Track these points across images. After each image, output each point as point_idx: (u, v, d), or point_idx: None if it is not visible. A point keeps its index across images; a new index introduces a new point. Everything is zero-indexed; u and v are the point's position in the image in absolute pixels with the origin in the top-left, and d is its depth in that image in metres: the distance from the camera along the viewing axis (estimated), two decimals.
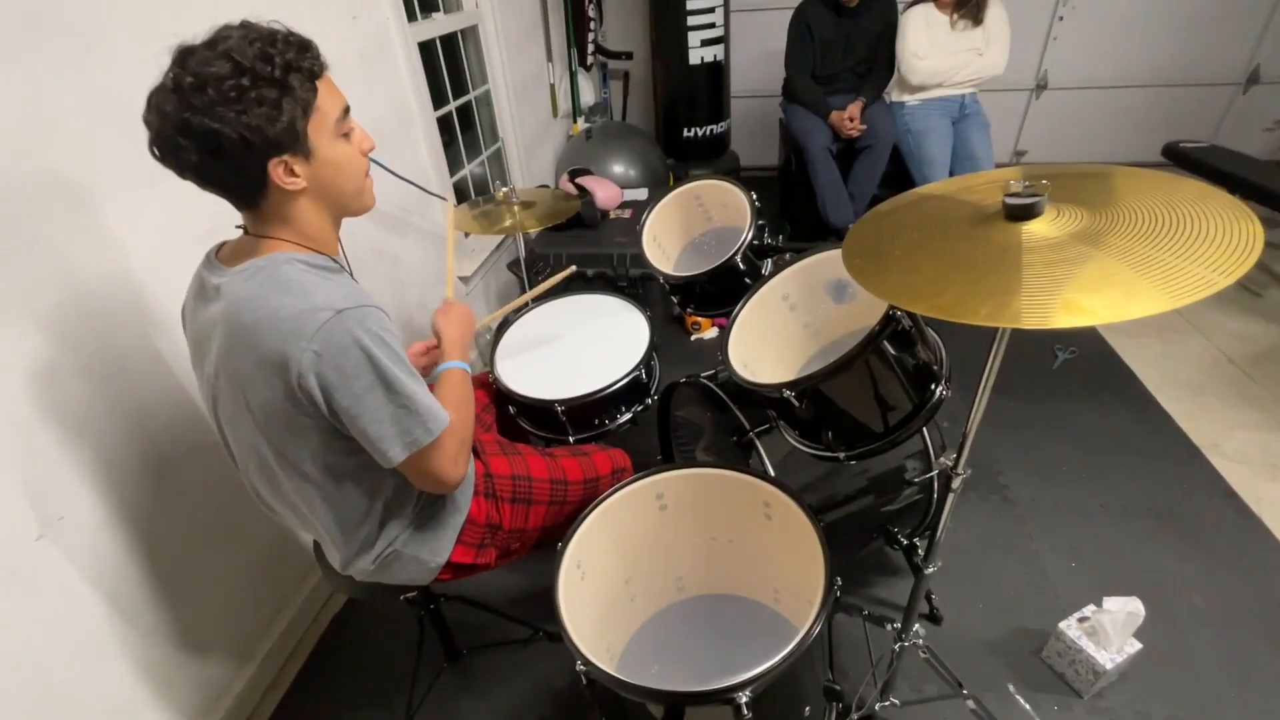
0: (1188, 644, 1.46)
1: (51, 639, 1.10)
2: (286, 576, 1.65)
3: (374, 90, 1.89)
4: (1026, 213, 0.73)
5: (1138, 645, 1.34)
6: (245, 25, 0.78)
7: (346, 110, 0.87)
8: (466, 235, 2.61)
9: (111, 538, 1.19)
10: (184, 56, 0.74)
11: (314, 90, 0.81)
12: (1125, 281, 0.65)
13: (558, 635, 0.92)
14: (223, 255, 0.90)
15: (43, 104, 1.03)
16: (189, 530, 1.35)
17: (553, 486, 1.22)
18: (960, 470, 0.97)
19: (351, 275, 0.96)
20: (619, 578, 1.22)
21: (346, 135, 0.87)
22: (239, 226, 0.90)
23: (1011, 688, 1.40)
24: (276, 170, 0.80)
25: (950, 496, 1.01)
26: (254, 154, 0.77)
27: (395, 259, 2.06)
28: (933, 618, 1.55)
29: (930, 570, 1.11)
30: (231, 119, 0.73)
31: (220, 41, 0.75)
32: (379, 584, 1.11)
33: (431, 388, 0.96)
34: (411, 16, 2.11)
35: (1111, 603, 1.34)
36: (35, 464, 1.06)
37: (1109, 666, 1.31)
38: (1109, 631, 1.32)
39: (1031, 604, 1.57)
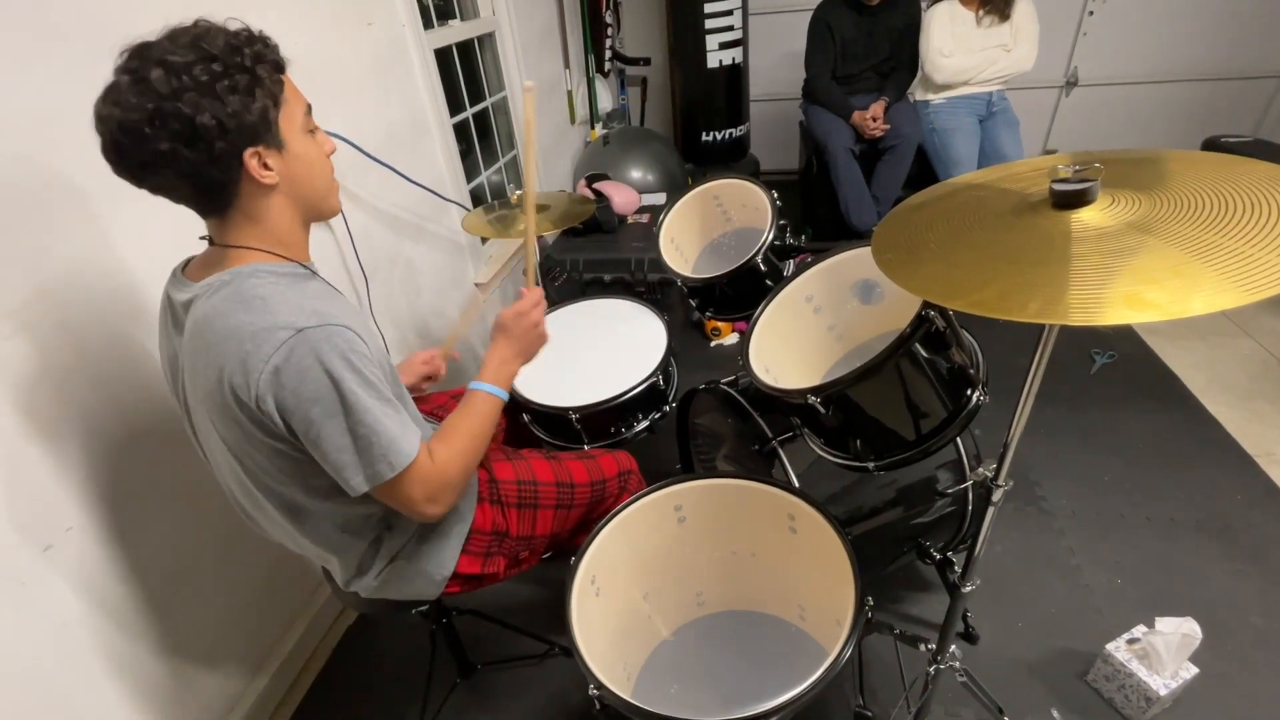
0: (1247, 668, 1.36)
1: (57, 653, 1.07)
2: (297, 589, 1.62)
3: (390, 97, 1.88)
4: (1077, 199, 0.67)
5: (1193, 669, 1.25)
6: (202, 22, 0.75)
7: (309, 108, 0.85)
8: (484, 241, 2.59)
9: (119, 549, 1.17)
10: (141, 50, 0.71)
11: (281, 83, 0.79)
12: (1191, 273, 0.59)
13: None
14: (190, 270, 0.86)
15: (50, 110, 1.02)
16: (198, 542, 1.33)
17: (559, 490, 1.17)
18: (1001, 482, 0.90)
19: (365, 282, 0.92)
20: (636, 593, 1.17)
21: (312, 134, 0.85)
22: (203, 238, 0.86)
23: (1056, 714, 1.32)
24: (251, 161, 0.77)
25: (990, 510, 0.94)
26: (229, 142, 0.73)
27: (410, 265, 2.04)
28: (968, 637, 1.46)
29: (969, 588, 1.04)
30: (206, 105, 0.70)
31: (180, 35, 0.72)
32: (387, 599, 1.07)
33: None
34: (428, 23, 2.11)
35: (1164, 623, 1.25)
36: (42, 475, 1.04)
37: (1163, 692, 1.22)
38: (1162, 654, 1.23)
39: (1075, 623, 1.48)
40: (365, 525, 0.96)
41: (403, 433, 0.83)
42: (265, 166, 0.78)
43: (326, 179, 0.88)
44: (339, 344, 0.77)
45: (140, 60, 0.70)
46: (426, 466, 0.87)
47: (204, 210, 0.82)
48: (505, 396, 1.01)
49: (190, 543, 1.31)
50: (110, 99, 0.71)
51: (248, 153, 0.76)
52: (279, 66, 0.79)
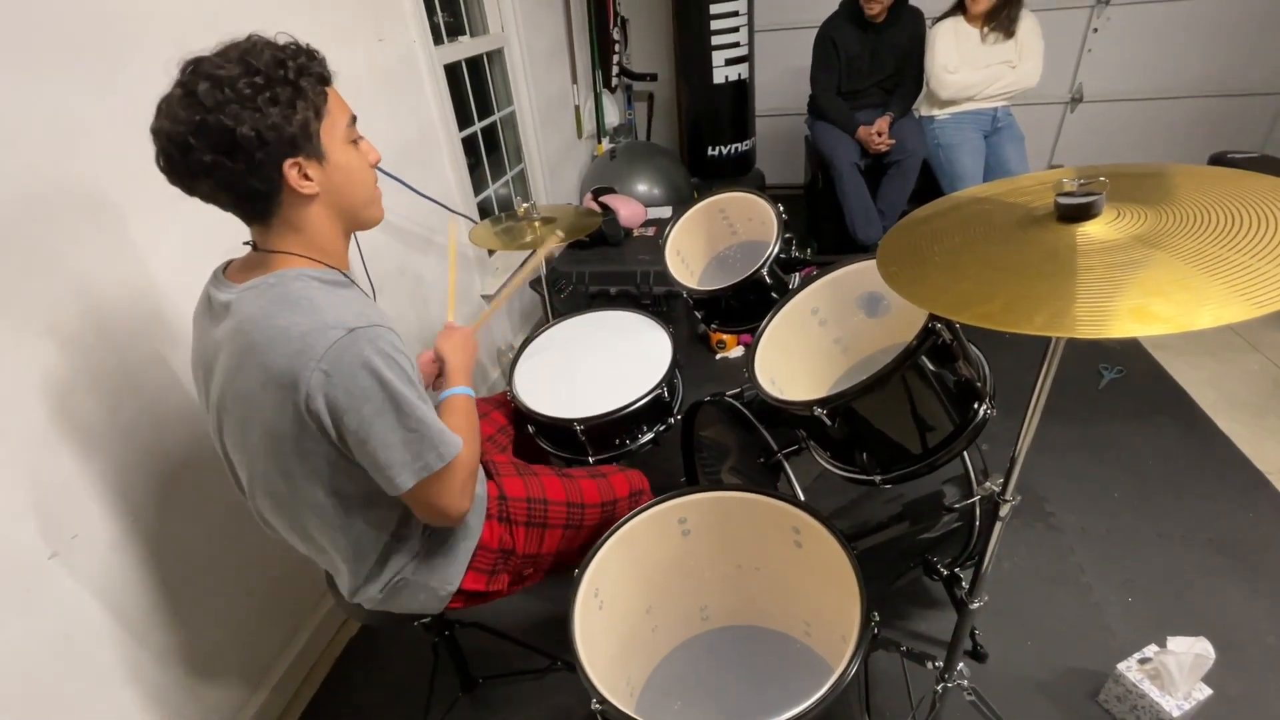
0: (1262, 689, 1.33)
1: (61, 660, 1.07)
2: (302, 599, 1.62)
3: (399, 111, 1.90)
4: (1083, 213, 0.67)
5: (1207, 691, 1.23)
6: (254, 36, 0.78)
7: (354, 119, 0.87)
8: (491, 253, 2.60)
9: (124, 557, 1.17)
10: (194, 64, 0.74)
11: (324, 95, 0.81)
12: (1198, 286, 0.59)
13: None
14: (230, 272, 0.88)
15: (70, 122, 1.04)
16: (203, 550, 1.33)
17: (569, 510, 1.17)
18: (1009, 497, 0.90)
19: (373, 292, 0.93)
20: (639, 607, 1.16)
21: (355, 144, 0.87)
22: (247, 243, 0.89)
23: None
24: (291, 172, 0.78)
25: (998, 525, 0.93)
26: (269, 153, 0.75)
27: (419, 277, 2.06)
28: (976, 655, 1.44)
29: (976, 605, 1.03)
30: (247, 117, 0.72)
31: (231, 50, 0.75)
32: (390, 612, 1.07)
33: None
34: (438, 40, 2.14)
35: (1177, 643, 1.23)
36: (49, 481, 1.05)
37: (1176, 714, 1.20)
38: (1175, 675, 1.21)
39: (1084, 642, 1.45)
40: (381, 534, 0.96)
41: (444, 426, 0.88)
42: (305, 177, 0.80)
43: (368, 189, 0.89)
44: (384, 345, 0.80)
45: (192, 75, 0.73)
46: (464, 455, 0.90)
47: (249, 218, 0.84)
48: (473, 393, 1.08)
49: (195, 553, 1.31)
50: (162, 112, 0.74)
51: (287, 163, 0.78)
52: (324, 79, 0.81)
